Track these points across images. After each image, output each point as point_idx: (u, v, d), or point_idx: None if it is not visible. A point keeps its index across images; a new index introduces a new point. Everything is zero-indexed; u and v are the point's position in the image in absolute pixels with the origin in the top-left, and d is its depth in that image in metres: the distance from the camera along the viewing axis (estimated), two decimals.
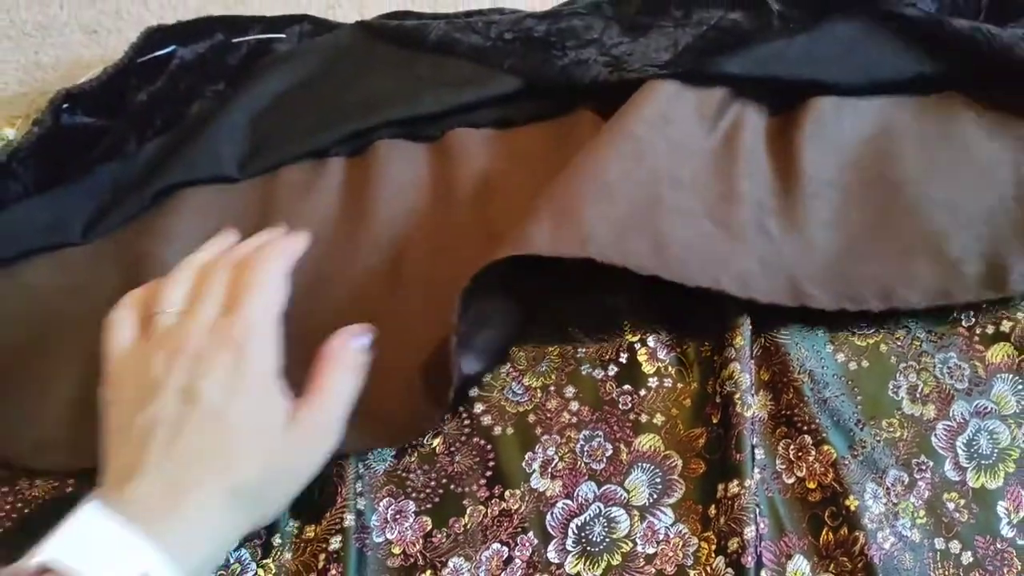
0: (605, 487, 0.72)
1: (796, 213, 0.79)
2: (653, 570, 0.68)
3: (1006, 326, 0.77)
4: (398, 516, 0.72)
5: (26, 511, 0.72)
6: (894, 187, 0.81)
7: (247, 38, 0.95)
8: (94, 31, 1.02)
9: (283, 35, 0.96)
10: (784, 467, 0.72)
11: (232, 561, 0.69)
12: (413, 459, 0.74)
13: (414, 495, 0.72)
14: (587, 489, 0.72)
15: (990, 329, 0.77)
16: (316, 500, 0.71)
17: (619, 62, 0.86)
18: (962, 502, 0.70)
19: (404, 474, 0.73)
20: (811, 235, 0.78)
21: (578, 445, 0.74)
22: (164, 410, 0.58)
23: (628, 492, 0.71)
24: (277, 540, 0.70)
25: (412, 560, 0.70)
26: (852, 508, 0.68)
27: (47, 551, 0.50)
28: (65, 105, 0.88)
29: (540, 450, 0.73)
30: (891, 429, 0.73)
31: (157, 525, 0.53)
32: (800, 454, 0.72)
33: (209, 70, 0.94)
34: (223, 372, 0.60)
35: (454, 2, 1.03)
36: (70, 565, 0.49)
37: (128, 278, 0.80)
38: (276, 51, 0.96)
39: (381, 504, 0.72)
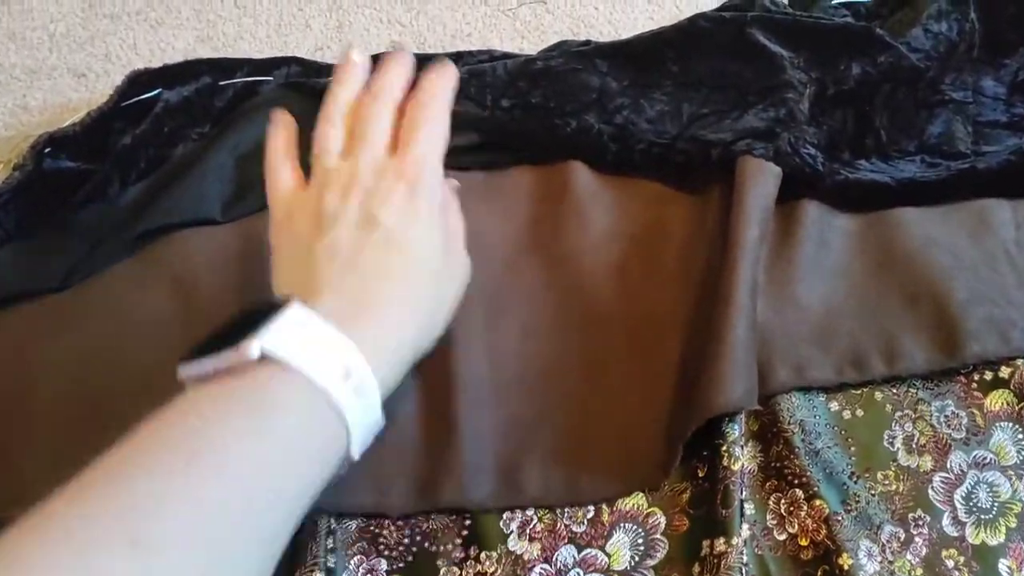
0: (585, 551, 0.68)
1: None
2: None
3: (1005, 372, 0.72)
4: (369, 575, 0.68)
5: None
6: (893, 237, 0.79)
7: (234, 81, 0.93)
8: (83, 74, 1.01)
9: (270, 77, 0.93)
10: (775, 523, 0.68)
11: None
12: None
13: (387, 553, 0.68)
14: (567, 553, 0.68)
15: (988, 375, 0.73)
16: (287, 554, 0.68)
17: (625, 134, 0.84)
18: (961, 559, 0.65)
19: (377, 531, 0.69)
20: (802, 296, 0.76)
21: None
22: (344, 236, 0.61)
23: (609, 556, 0.67)
24: None
25: None
26: (846, 567, 0.64)
27: (265, 341, 0.52)
28: (48, 149, 0.86)
29: (519, 510, 0.69)
30: (886, 482, 0.69)
31: (351, 329, 0.55)
32: (792, 509, 0.68)
33: (195, 112, 0.92)
34: (400, 202, 0.62)
35: (440, 40, 1.01)
36: (284, 356, 0.52)
37: (112, 326, 0.79)
38: (263, 93, 0.94)
39: (352, 562, 0.68)
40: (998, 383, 0.72)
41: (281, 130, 0.71)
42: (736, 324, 0.70)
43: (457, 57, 0.96)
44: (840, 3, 0.97)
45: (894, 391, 0.73)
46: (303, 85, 0.93)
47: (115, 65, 1.01)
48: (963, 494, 0.68)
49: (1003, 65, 0.91)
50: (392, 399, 0.66)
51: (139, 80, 0.93)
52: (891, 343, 0.74)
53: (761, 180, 0.78)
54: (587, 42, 0.97)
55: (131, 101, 0.92)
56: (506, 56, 0.96)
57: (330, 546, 0.68)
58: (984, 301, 0.75)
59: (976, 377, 0.73)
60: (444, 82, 0.70)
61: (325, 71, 0.96)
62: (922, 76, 0.87)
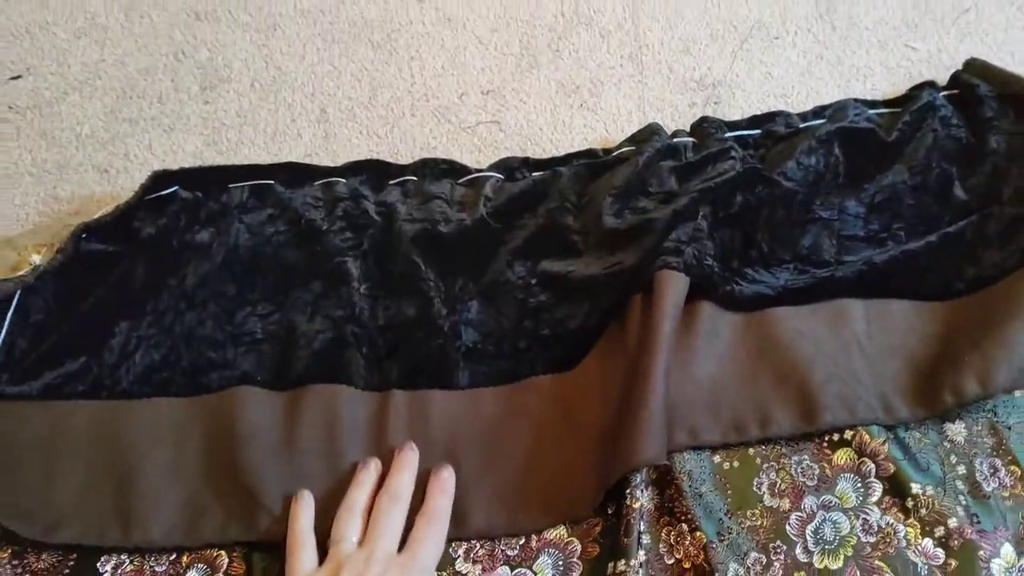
0: (517, 570, 0.85)
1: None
2: None
3: (848, 435, 0.92)
4: None
5: None
6: (768, 330, 0.98)
7: (241, 184, 1.10)
8: (105, 170, 1.18)
9: (272, 181, 1.11)
10: (665, 550, 0.85)
11: None
12: None
13: None
14: (503, 573, 0.85)
15: (836, 438, 0.92)
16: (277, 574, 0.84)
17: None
18: None
19: None
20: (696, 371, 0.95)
21: None
22: None
23: (536, 574, 0.84)
24: None
25: None
26: None
27: None
28: (83, 235, 1.03)
29: (465, 541, 0.86)
30: (753, 518, 0.87)
31: None
32: (678, 540, 0.86)
33: (207, 208, 1.10)
34: None
35: (410, 150, 1.20)
36: None
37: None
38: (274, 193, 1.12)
39: None
40: (843, 443, 0.92)
41: (305, 509, 0.85)
42: (654, 398, 0.89)
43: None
44: (732, 136, 1.19)
45: (763, 448, 0.92)
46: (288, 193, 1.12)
47: (133, 163, 1.19)
48: (812, 529, 0.86)
49: (863, 189, 1.12)
50: (359, 450, 0.86)
51: (160, 178, 1.10)
52: (764, 413, 0.93)
53: (674, 286, 0.96)
54: (526, 159, 1.17)
55: (153, 196, 1.09)
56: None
57: None
58: (837, 381, 0.95)
59: (827, 439, 0.92)
60: (447, 498, 0.87)
61: (316, 174, 1.15)
62: (794, 198, 1.08)
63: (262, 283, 1.05)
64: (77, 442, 0.93)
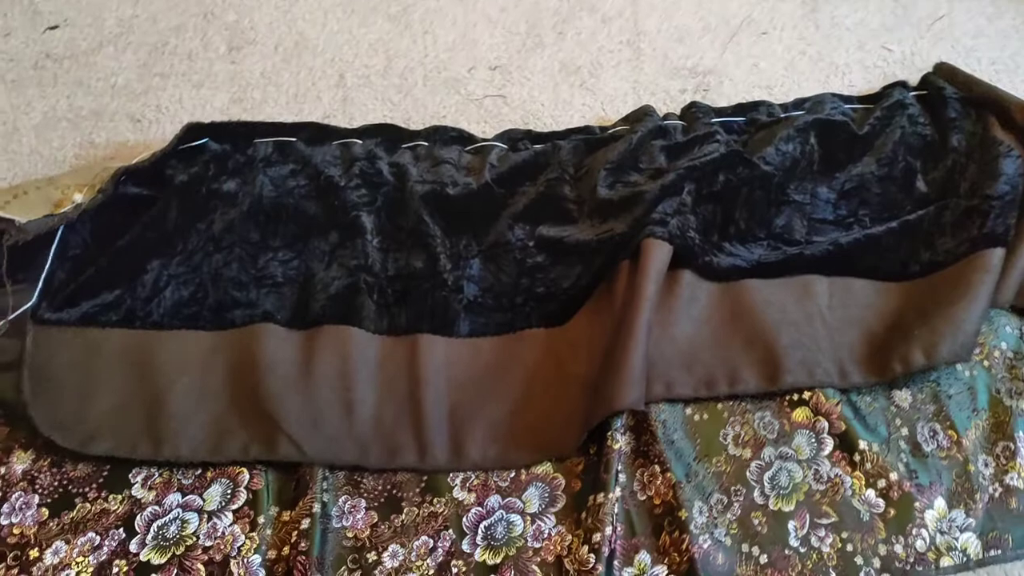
0: (507, 499, 0.92)
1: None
2: (539, 559, 0.89)
3: (807, 396, 0.99)
4: (352, 510, 0.91)
5: (69, 487, 0.91)
6: (742, 298, 1.06)
7: (265, 140, 1.16)
8: (138, 120, 1.22)
9: (294, 138, 1.17)
10: (639, 488, 0.93)
11: (226, 534, 0.88)
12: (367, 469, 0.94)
13: (366, 495, 0.92)
14: (494, 500, 0.92)
15: (796, 397, 1.00)
16: (291, 493, 0.91)
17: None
18: (764, 519, 0.91)
19: (359, 479, 0.93)
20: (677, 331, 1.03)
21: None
22: None
23: (524, 503, 0.92)
24: (261, 519, 0.89)
25: (361, 543, 0.89)
26: (683, 518, 0.89)
27: None
28: (123, 178, 1.08)
29: (461, 472, 0.94)
30: (718, 464, 0.95)
31: None
32: (651, 479, 0.93)
33: (234, 160, 1.15)
34: None
35: (421, 118, 1.25)
36: None
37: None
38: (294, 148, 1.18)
39: (340, 499, 0.91)
40: (802, 403, 0.99)
41: None
42: (635, 351, 0.95)
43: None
44: (718, 122, 1.25)
45: (730, 403, 0.99)
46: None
47: (164, 115, 1.23)
48: (769, 476, 0.94)
49: (834, 177, 1.19)
50: (368, 386, 0.92)
51: (193, 130, 1.15)
52: (733, 372, 1.01)
53: (658, 254, 1.03)
54: (528, 131, 1.23)
55: (185, 146, 1.14)
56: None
57: (324, 487, 0.91)
58: (800, 348, 1.02)
59: (788, 399, 1.00)
60: None
61: (335, 134, 1.21)
62: (771, 181, 1.15)
63: (283, 231, 1.11)
64: (111, 365, 0.98)
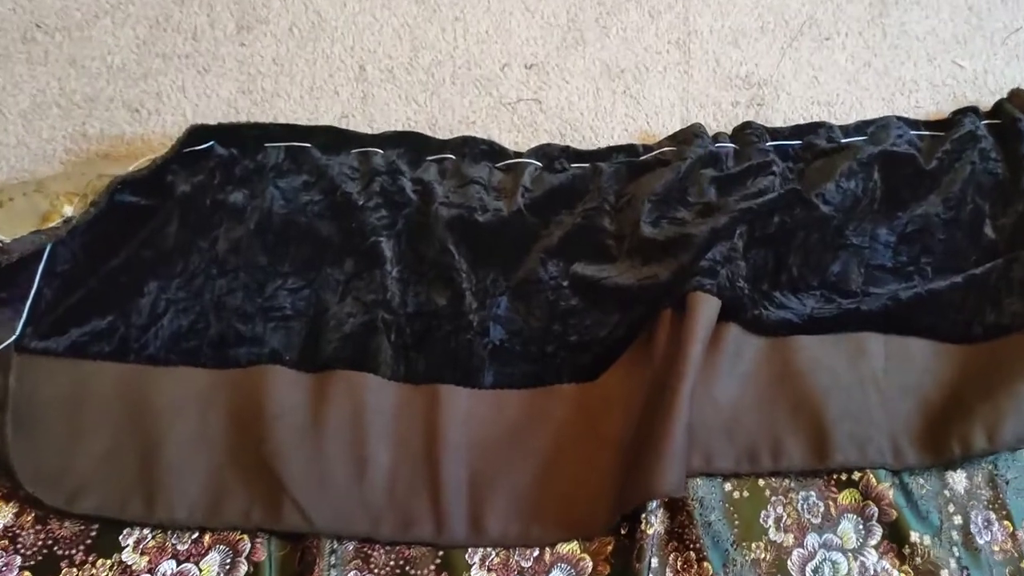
0: None
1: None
2: None
3: (856, 476, 0.92)
4: None
5: (55, 547, 0.83)
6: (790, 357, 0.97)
7: (277, 144, 1.04)
8: (136, 109, 1.10)
9: (308, 144, 1.05)
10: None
11: None
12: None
13: (376, 571, 0.84)
14: None
15: (844, 477, 0.92)
16: (296, 567, 0.83)
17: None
18: None
19: (369, 552, 0.85)
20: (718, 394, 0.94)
21: None
22: None
23: None
24: None
25: None
26: None
27: None
28: (119, 187, 0.97)
29: (481, 548, 0.86)
30: (758, 551, 0.87)
31: None
32: (685, 566, 0.86)
33: (243, 166, 1.04)
34: None
35: (448, 123, 1.13)
36: None
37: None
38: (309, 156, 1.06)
39: (349, 575, 0.84)
40: (851, 484, 0.91)
41: None
42: (677, 425, 0.87)
43: None
44: (773, 146, 1.14)
45: (773, 480, 0.92)
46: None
47: (165, 104, 1.11)
48: (812, 567, 0.87)
49: (896, 217, 1.09)
50: (382, 442, 0.84)
51: (197, 132, 1.03)
52: (777, 444, 0.92)
53: (706, 309, 0.94)
54: (566, 148, 1.12)
55: (189, 150, 1.02)
56: None
57: (332, 562, 0.83)
58: (850, 419, 0.94)
59: (835, 477, 0.92)
60: None
61: (353, 141, 1.09)
62: (829, 224, 1.05)
63: (294, 255, 1.01)
64: (102, 405, 0.90)
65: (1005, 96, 1.22)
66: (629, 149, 1.12)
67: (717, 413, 0.94)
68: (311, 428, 0.90)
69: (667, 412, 0.88)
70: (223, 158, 1.03)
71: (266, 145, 1.05)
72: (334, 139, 1.08)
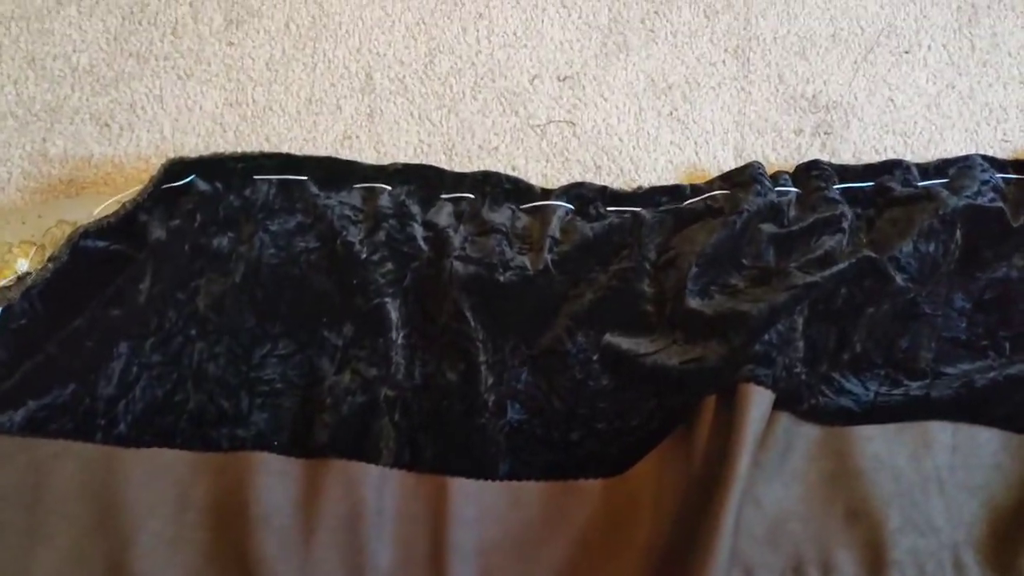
0: None
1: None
2: None
3: None
4: None
5: None
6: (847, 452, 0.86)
7: (268, 177, 0.90)
8: (106, 124, 0.95)
9: (304, 177, 0.91)
10: None
11: None
12: None
13: None
14: None
15: None
16: None
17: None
18: None
19: None
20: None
21: None
22: None
23: None
24: None
25: None
26: None
27: None
28: (82, 237, 0.84)
29: None
30: None
31: None
32: None
33: (228, 204, 0.90)
34: None
35: (467, 148, 0.99)
36: None
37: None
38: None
39: None
40: None
41: None
42: (723, 539, 0.77)
43: None
44: (841, 189, 0.99)
45: None
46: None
47: (140, 118, 0.96)
48: None
49: (975, 279, 0.96)
50: (382, 545, 0.76)
51: (175, 167, 0.89)
52: (827, 556, 0.82)
53: (759, 404, 0.82)
54: (603, 189, 0.97)
55: (167, 186, 0.88)
56: None
57: None
58: (912, 529, 0.84)
59: None
60: None
61: (357, 174, 0.95)
62: (904, 296, 0.92)
63: (286, 314, 0.88)
64: (64, 496, 0.79)
65: None
66: (675, 191, 0.98)
67: (761, 515, 0.84)
68: (302, 530, 0.79)
69: (712, 522, 0.78)
70: (205, 195, 0.89)
71: (255, 178, 0.91)
72: (334, 171, 0.94)
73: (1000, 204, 0.98)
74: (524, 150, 1.00)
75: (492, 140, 1.00)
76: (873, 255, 0.91)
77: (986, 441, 0.90)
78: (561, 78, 1.04)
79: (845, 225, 0.95)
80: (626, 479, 0.85)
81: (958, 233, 0.95)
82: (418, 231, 0.92)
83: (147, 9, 1.01)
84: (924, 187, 1.00)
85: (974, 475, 0.89)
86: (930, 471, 0.88)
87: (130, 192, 0.86)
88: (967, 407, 0.90)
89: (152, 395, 0.84)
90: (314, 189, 0.92)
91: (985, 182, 1.01)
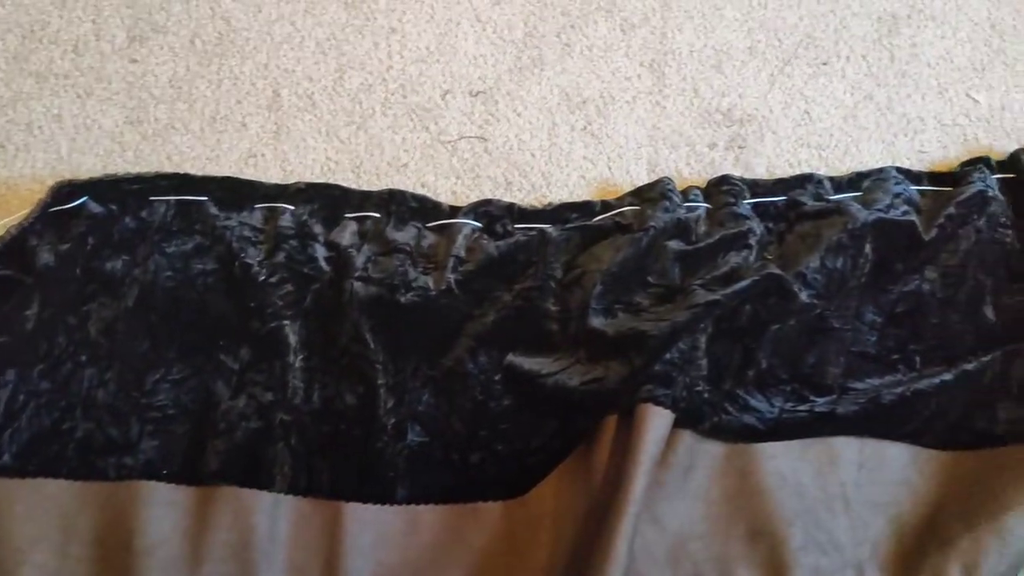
0: None
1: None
2: None
3: None
4: None
5: None
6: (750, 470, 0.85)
7: (166, 198, 0.89)
8: (1, 145, 0.94)
9: (204, 198, 0.90)
10: None
11: None
12: None
13: None
14: None
15: None
16: None
17: None
18: None
19: None
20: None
21: None
22: None
23: None
24: None
25: None
26: None
27: None
28: None
29: None
30: None
31: None
32: None
33: (122, 227, 0.89)
34: None
35: (376, 165, 0.98)
36: None
37: None
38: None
39: None
40: None
41: None
42: (617, 560, 0.76)
43: None
44: (753, 204, 0.99)
45: None
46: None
47: (37, 138, 0.94)
48: None
49: (886, 292, 0.95)
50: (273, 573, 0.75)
51: (63, 190, 0.88)
52: (729, 575, 0.82)
53: (658, 425, 0.82)
54: (511, 207, 0.97)
55: (56, 209, 0.87)
56: None
57: None
58: (814, 548, 0.83)
59: None
60: None
61: (258, 194, 0.94)
62: (809, 313, 0.91)
63: (181, 338, 0.87)
64: None
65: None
66: (585, 207, 0.97)
67: (662, 538, 0.83)
68: (189, 561, 0.78)
69: (605, 546, 0.77)
70: (98, 217, 0.88)
71: (152, 199, 0.89)
72: (235, 191, 0.93)
73: (912, 217, 0.98)
74: (434, 167, 0.99)
75: (402, 157, 0.99)
76: (777, 272, 0.91)
77: (894, 457, 0.90)
78: (474, 93, 1.03)
79: (752, 241, 0.94)
80: (526, 501, 0.85)
81: (868, 247, 0.95)
82: (320, 251, 0.91)
83: (48, 27, 0.99)
84: (835, 201, 1.00)
85: (881, 491, 0.88)
86: (835, 488, 0.88)
87: (17, 216, 0.84)
88: (874, 422, 0.89)
89: (39, 424, 0.82)
90: (213, 209, 0.91)
91: (898, 195, 1.00)
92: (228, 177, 0.93)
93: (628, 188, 0.99)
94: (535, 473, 0.85)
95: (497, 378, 0.88)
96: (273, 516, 0.81)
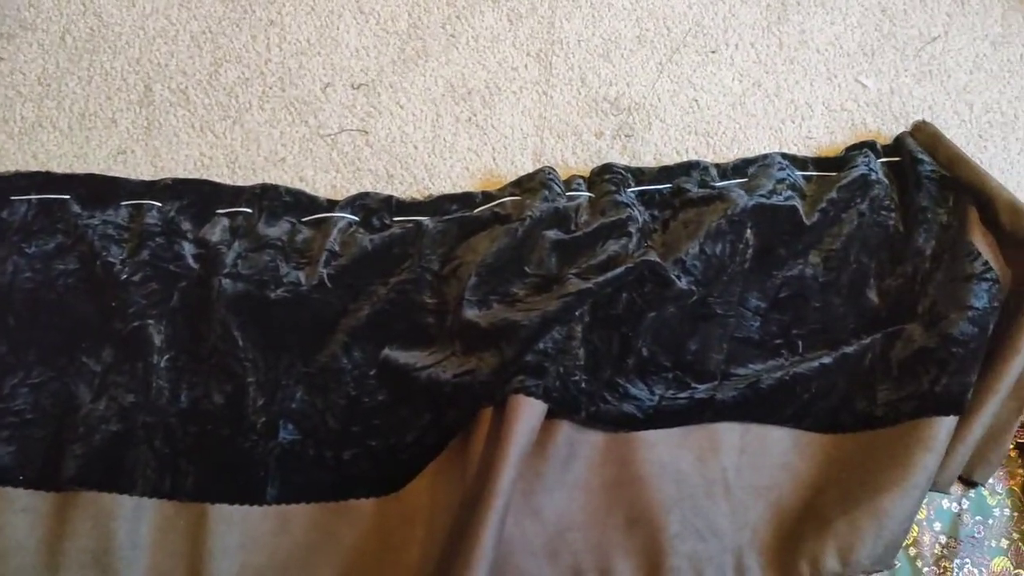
0: None
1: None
2: None
3: None
4: None
5: None
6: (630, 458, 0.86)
7: (28, 197, 0.87)
8: None
9: (67, 196, 0.87)
10: None
11: None
12: None
13: None
14: None
15: None
16: None
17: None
18: None
19: None
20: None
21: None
22: None
23: None
24: None
25: None
26: None
27: None
28: None
29: None
30: None
31: None
32: None
33: None
34: None
35: (252, 160, 0.96)
36: None
37: None
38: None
39: None
40: None
41: None
42: (483, 553, 0.75)
43: None
44: (637, 191, 0.98)
45: None
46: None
47: None
48: None
49: (770, 277, 0.96)
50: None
51: None
52: (606, 565, 0.82)
53: (528, 415, 0.81)
54: (389, 200, 0.95)
55: None
56: None
57: None
58: (691, 535, 0.84)
59: None
60: None
61: (124, 191, 0.91)
62: (687, 300, 0.91)
63: (41, 340, 0.85)
64: None
65: (909, 128, 1.08)
66: (465, 199, 0.97)
67: (540, 529, 0.83)
68: (46, 569, 0.76)
69: (472, 535, 0.76)
70: None
71: (12, 199, 0.87)
72: (100, 189, 0.91)
73: (795, 202, 0.98)
74: (313, 161, 0.98)
75: (279, 151, 0.98)
76: (653, 259, 0.90)
77: (775, 441, 0.90)
78: (355, 86, 1.02)
79: (633, 229, 0.94)
80: (399, 498, 0.84)
81: (748, 232, 0.95)
82: (188, 249, 0.89)
83: None
84: (720, 187, 1.00)
85: (762, 476, 0.89)
86: (716, 474, 0.88)
87: None
88: (754, 407, 0.90)
89: None
90: (77, 208, 0.89)
91: (781, 180, 1.01)
92: (93, 175, 0.91)
93: (513, 179, 0.99)
94: (409, 468, 0.84)
95: (372, 373, 0.87)
96: (134, 520, 0.79)
